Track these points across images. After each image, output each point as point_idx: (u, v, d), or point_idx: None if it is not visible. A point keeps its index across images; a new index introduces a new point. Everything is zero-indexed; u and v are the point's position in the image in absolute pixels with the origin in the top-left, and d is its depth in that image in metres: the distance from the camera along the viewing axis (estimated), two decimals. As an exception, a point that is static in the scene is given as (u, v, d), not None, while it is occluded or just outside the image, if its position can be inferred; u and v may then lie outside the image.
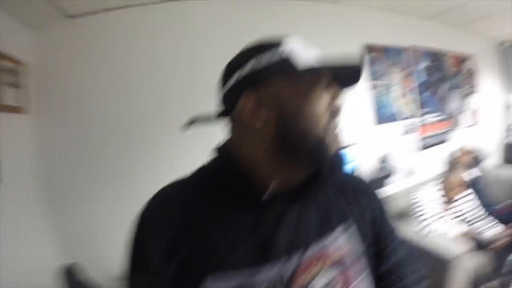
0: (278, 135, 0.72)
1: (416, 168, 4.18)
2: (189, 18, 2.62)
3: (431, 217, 3.08)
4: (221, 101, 0.80)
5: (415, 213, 3.16)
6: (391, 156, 3.80)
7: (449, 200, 3.18)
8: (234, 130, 0.80)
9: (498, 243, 3.01)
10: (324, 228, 0.78)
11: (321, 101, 0.74)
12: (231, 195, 0.75)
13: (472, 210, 3.25)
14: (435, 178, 3.43)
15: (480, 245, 3.10)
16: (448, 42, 4.89)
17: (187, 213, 0.74)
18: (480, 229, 3.16)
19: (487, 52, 6.15)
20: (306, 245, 0.75)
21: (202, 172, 0.82)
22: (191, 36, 2.63)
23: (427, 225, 3.01)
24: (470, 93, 5.41)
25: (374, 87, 3.61)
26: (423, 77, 4.32)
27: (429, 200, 3.17)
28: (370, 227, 0.85)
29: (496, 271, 3.05)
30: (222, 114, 0.80)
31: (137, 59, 2.55)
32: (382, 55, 3.67)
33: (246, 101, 0.73)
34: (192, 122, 0.84)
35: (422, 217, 3.07)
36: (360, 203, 0.86)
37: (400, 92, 3.93)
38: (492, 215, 3.38)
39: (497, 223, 3.21)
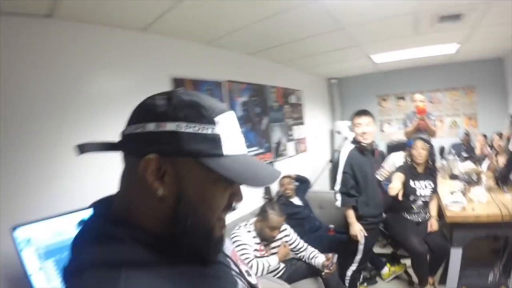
0: (174, 214, 0.69)
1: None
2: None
3: (249, 257, 3.03)
4: (126, 136, 0.71)
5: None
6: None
7: (268, 238, 3.19)
8: (128, 181, 0.72)
9: (326, 270, 3.17)
10: None
11: (225, 196, 0.74)
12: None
13: (292, 243, 3.36)
14: (253, 214, 3.46)
15: (308, 274, 3.28)
16: (273, 77, 5.19)
17: None
18: (306, 258, 3.32)
19: (314, 86, 6.73)
20: None
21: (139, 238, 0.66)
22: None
23: (248, 264, 2.92)
24: (296, 124, 5.80)
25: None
26: (240, 111, 4.40)
27: (247, 238, 3.14)
28: None
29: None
30: (119, 148, 0.73)
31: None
32: (193, 89, 3.58)
33: (150, 162, 0.66)
34: (84, 148, 0.72)
35: (242, 257, 2.97)
36: None
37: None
38: (321, 240, 3.63)
39: (324, 249, 3.38)
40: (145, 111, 0.70)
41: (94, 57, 2.70)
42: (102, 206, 0.75)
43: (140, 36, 3.10)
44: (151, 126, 0.66)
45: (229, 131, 0.72)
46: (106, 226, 0.67)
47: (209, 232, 0.73)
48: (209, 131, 0.68)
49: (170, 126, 0.66)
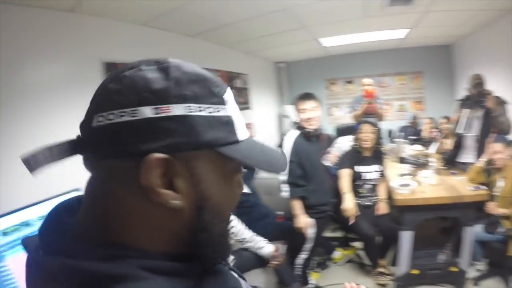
0: (196, 225, 0.54)
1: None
2: None
3: None
4: (100, 128, 0.49)
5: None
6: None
7: None
8: (109, 191, 0.52)
9: (275, 261, 3.11)
10: None
11: (237, 186, 0.62)
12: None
13: (238, 234, 3.24)
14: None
15: (257, 265, 3.19)
16: (216, 60, 5.04)
17: None
18: (255, 248, 3.21)
19: (261, 70, 6.69)
20: None
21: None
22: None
23: None
24: (242, 109, 5.69)
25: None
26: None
27: None
28: None
29: (280, 284, 3.24)
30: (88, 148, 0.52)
31: None
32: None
33: (153, 163, 0.48)
34: (36, 162, 0.48)
35: None
36: None
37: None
38: (270, 227, 3.50)
39: (273, 237, 3.30)
40: (131, 90, 0.49)
41: (14, 42, 2.43)
42: (56, 231, 0.53)
43: (67, 17, 2.85)
44: (146, 111, 0.48)
45: (237, 111, 0.58)
46: (94, 260, 0.46)
47: (227, 235, 0.62)
48: (222, 113, 0.54)
49: (177, 109, 0.49)
